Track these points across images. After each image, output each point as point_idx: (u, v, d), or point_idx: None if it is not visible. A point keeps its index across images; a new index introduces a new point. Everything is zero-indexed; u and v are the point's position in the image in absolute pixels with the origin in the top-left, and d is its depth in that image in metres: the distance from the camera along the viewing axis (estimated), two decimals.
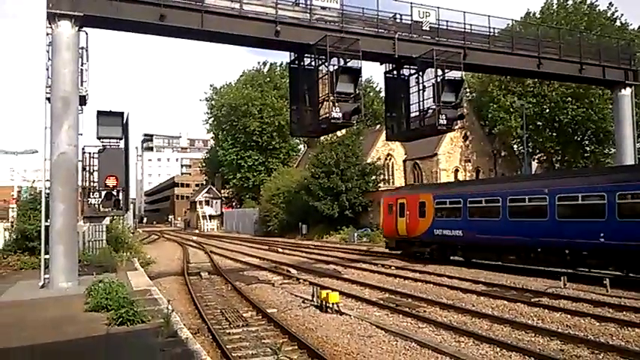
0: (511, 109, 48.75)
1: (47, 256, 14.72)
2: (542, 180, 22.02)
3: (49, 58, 15.28)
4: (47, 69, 15.33)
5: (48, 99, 15.09)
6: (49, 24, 15.01)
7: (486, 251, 21.74)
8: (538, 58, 21.38)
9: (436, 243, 24.25)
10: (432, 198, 24.63)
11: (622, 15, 50.11)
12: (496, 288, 16.58)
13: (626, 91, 22.63)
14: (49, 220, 14.73)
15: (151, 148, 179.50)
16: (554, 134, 49.94)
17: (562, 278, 16.39)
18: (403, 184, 56.65)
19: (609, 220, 16.56)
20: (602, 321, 11.69)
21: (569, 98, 45.94)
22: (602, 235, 16.65)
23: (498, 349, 9.72)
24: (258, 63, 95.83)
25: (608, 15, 48.24)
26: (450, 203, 23.72)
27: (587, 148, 51.06)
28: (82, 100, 16.05)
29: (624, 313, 12.59)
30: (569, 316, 12.30)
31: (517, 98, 47.10)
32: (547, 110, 48.58)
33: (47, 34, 15.22)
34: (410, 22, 19.42)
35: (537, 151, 53.38)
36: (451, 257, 23.65)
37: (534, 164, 57.56)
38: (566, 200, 18.39)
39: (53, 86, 14.96)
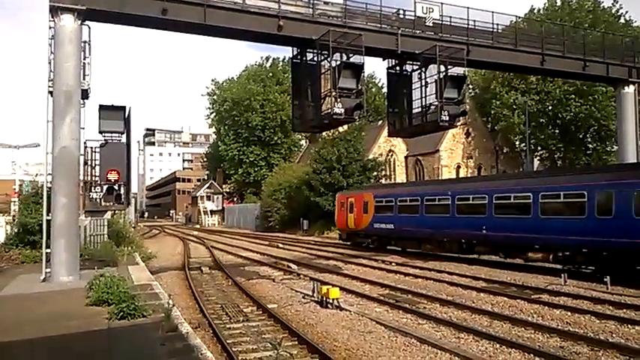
0: (514, 106, 48.64)
1: (48, 250, 14.76)
2: (447, 184, 27.90)
3: (51, 52, 15.27)
4: (50, 62, 15.32)
5: (50, 92, 15.09)
6: (52, 17, 15.00)
7: (410, 241, 26.61)
8: (542, 54, 21.30)
9: (376, 235, 29.37)
10: (373, 197, 29.63)
11: (627, 12, 49.80)
12: (496, 284, 16.59)
13: (630, 89, 22.54)
14: (50, 214, 14.75)
15: (153, 143, 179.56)
16: (557, 131, 49.83)
17: (562, 275, 16.40)
18: (405, 180, 56.65)
19: (489, 216, 21.44)
20: (602, 318, 11.69)
21: (572, 95, 45.81)
22: (484, 227, 21.45)
23: (498, 345, 9.73)
24: (261, 58, 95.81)
25: (613, 12, 48.04)
26: (385, 202, 28.59)
27: (590, 146, 50.95)
28: (85, 94, 16.06)
29: (624, 310, 12.59)
30: (569, 313, 12.30)
31: (520, 95, 47.01)
32: (550, 107, 48.45)
33: (50, 28, 15.21)
34: (413, 18, 19.35)
35: (539, 148, 53.28)
36: (388, 247, 28.71)
37: (536, 161, 57.48)
38: (462, 200, 23.27)
39: (55, 80, 14.96)
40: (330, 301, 13.14)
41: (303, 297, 14.75)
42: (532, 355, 9.09)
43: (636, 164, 21.12)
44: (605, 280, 15.44)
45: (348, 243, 32.34)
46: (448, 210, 23.55)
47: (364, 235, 30.36)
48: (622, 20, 47.45)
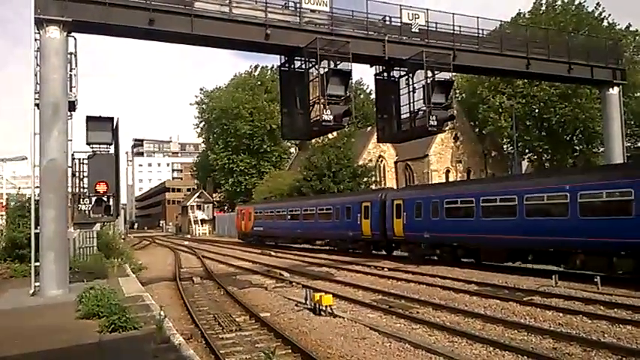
0: (500, 110, 49.08)
1: (37, 264, 14.59)
2: (291, 202, 41.66)
3: (37, 64, 15.17)
4: (36, 75, 15.22)
5: (37, 105, 14.98)
6: (37, 30, 14.91)
7: (271, 237, 42.03)
8: (527, 58, 21.53)
9: (256, 235, 44.82)
10: (253, 210, 45.69)
11: (609, 15, 50.51)
12: (488, 287, 16.65)
13: (614, 90, 22.83)
14: (38, 227, 14.60)
15: (142, 153, 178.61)
16: (544, 134, 50.37)
17: (553, 277, 16.51)
18: (395, 186, 56.85)
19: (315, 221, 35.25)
20: (593, 318, 11.77)
21: (558, 98, 46.35)
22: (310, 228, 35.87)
23: (491, 348, 9.75)
24: (250, 66, 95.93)
25: (596, 15, 48.74)
26: (255, 212, 44.88)
27: (577, 148, 51.52)
28: (72, 106, 15.96)
29: (615, 310, 12.68)
30: (561, 314, 12.37)
31: (506, 99, 47.45)
32: (536, 110, 48.99)
33: (35, 40, 15.12)
34: (399, 25, 19.48)
35: (527, 150, 53.79)
36: (266, 243, 42.29)
37: (524, 164, 57.97)
38: (304, 211, 36.73)
39: (42, 92, 14.85)
40: (323, 308, 13.10)
41: (296, 305, 14.69)
42: (525, 357, 9.12)
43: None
44: (595, 280, 15.56)
45: (243, 241, 47.91)
46: (288, 218, 38.45)
47: (250, 235, 45.96)
48: (605, 23, 48.15)
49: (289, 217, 38.04)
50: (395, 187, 50.96)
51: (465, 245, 22.66)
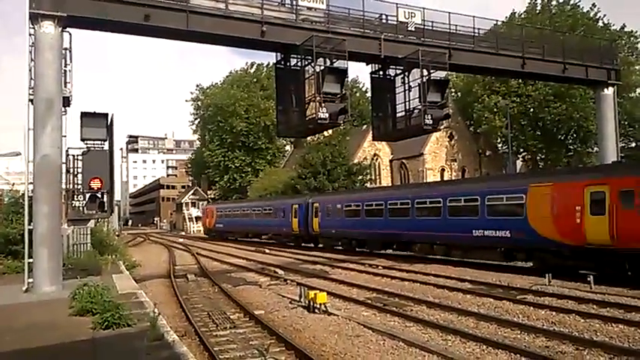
0: (495, 109, 49.21)
1: (31, 260, 14.52)
2: (245, 202, 51.72)
3: (31, 59, 15.06)
4: (30, 70, 15.11)
5: (31, 100, 14.88)
6: (32, 24, 14.80)
7: (231, 232, 49.63)
8: (522, 58, 21.58)
9: (218, 231, 53.01)
10: (215, 209, 54.67)
11: (604, 15, 50.80)
12: (482, 286, 16.70)
13: (609, 91, 22.91)
14: (32, 224, 14.52)
15: (136, 150, 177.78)
16: (538, 133, 50.55)
17: (547, 275, 16.58)
18: (390, 184, 56.96)
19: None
20: (586, 317, 11.83)
21: (552, 97, 46.52)
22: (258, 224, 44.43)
23: (485, 346, 9.79)
24: (246, 64, 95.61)
25: (591, 15, 48.92)
26: (217, 212, 53.78)
27: (571, 147, 51.75)
28: (66, 102, 15.86)
29: (608, 309, 12.76)
30: (554, 313, 12.43)
31: (501, 98, 47.59)
32: (531, 110, 49.16)
33: (30, 35, 15.01)
34: (395, 23, 19.48)
35: (521, 150, 53.96)
36: (228, 237, 49.59)
37: (519, 163, 58.17)
38: (252, 210, 45.43)
39: (36, 88, 14.75)
40: (318, 305, 13.11)
41: (290, 302, 14.69)
42: (518, 355, 9.16)
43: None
44: (588, 279, 15.65)
45: (207, 236, 56.47)
46: (241, 216, 47.34)
47: (213, 231, 54.35)
48: (600, 24, 48.37)
49: (242, 215, 47.23)
50: (390, 185, 51.17)
51: (357, 238, 30.31)
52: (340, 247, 31.73)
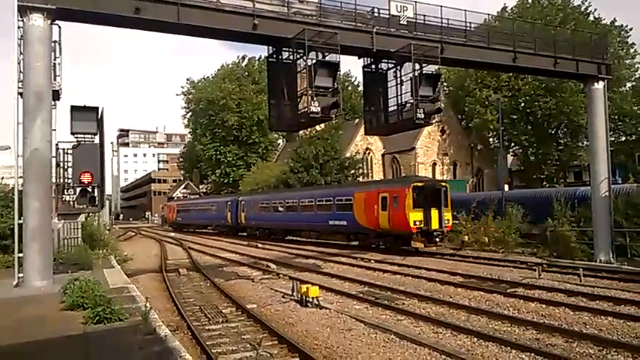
0: (486, 103, 49.36)
1: (21, 255, 14.40)
2: (196, 199, 66.28)
3: (20, 52, 14.88)
4: (19, 63, 14.92)
5: (20, 94, 14.71)
6: (21, 17, 14.61)
7: (186, 225, 59.38)
8: (513, 52, 21.58)
9: (177, 223, 62.34)
10: (175, 206, 65.91)
11: (595, 9, 50.95)
12: (473, 279, 16.83)
13: (599, 85, 22.97)
14: (22, 218, 14.40)
15: (127, 144, 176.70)
16: (529, 127, 50.78)
17: (537, 268, 16.74)
18: (382, 178, 57.07)
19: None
20: (576, 310, 11.96)
21: (542, 92, 46.73)
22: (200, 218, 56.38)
23: (476, 339, 9.88)
24: (237, 57, 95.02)
25: (582, 9, 49.12)
26: (177, 207, 64.84)
27: (561, 141, 52.05)
28: (56, 95, 15.69)
29: (597, 302, 12.90)
30: (544, 305, 12.55)
31: (492, 92, 47.72)
32: (522, 104, 49.35)
33: (18, 28, 14.82)
34: (388, 17, 19.40)
35: (513, 144, 54.20)
36: (184, 229, 58.75)
37: (510, 157, 58.45)
38: (198, 208, 57.49)
39: (25, 81, 14.57)
40: (310, 299, 13.15)
41: (283, 296, 14.72)
42: (509, 347, 9.25)
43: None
44: (578, 272, 15.81)
45: (170, 227, 65.20)
46: (192, 211, 58.98)
47: (174, 223, 63.85)
48: (591, 18, 48.58)
49: (195, 211, 58.27)
50: (383, 179, 51.28)
51: (268, 228, 40.09)
52: (257, 234, 41.49)
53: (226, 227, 47.59)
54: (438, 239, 25.22)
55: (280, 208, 37.34)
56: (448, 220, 25.58)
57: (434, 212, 24.91)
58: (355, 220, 28.34)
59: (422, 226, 24.61)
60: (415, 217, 24.64)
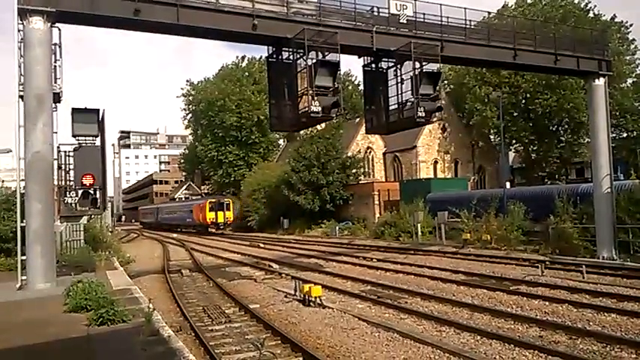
0: (486, 100, 49.27)
1: (24, 258, 14.42)
2: (160, 204, 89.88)
3: (21, 55, 14.90)
4: (19, 66, 14.95)
5: (21, 97, 14.74)
6: (21, 20, 14.64)
7: (164, 225, 73.90)
8: (514, 49, 21.55)
9: (146, 223, 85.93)
10: (141, 210, 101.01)
11: (595, 6, 50.73)
12: (475, 277, 16.82)
13: (600, 81, 22.92)
14: (24, 221, 14.43)
15: (128, 145, 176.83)
16: (530, 124, 50.69)
17: (540, 265, 16.72)
18: (383, 177, 57.08)
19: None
20: (579, 307, 11.96)
21: (542, 88, 46.64)
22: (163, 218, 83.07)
23: (479, 337, 9.87)
24: (237, 57, 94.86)
25: (582, 6, 49.01)
26: (150, 211, 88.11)
27: (562, 138, 51.94)
28: (57, 98, 15.71)
29: (600, 299, 12.89)
30: (547, 303, 12.55)
31: (493, 89, 47.63)
32: (522, 101, 49.25)
33: (19, 31, 14.85)
34: (387, 15, 19.38)
35: (514, 141, 54.11)
36: (163, 228, 74.15)
37: (511, 154, 58.32)
38: (166, 212, 78.31)
39: (26, 84, 14.59)
40: (313, 299, 13.16)
41: (286, 296, 14.74)
42: (512, 345, 9.25)
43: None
44: (580, 269, 15.79)
45: (142, 226, 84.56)
46: (167, 213, 75.96)
47: (145, 224, 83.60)
48: (591, 14, 48.46)
49: (167, 213, 74.24)
50: (383, 179, 51.28)
51: (167, 224, 70.31)
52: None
53: (153, 224, 78.87)
54: (221, 228, 56.27)
55: (170, 212, 71.62)
56: (228, 217, 56.52)
57: (220, 213, 56.03)
58: (193, 218, 59.97)
59: (214, 220, 55.56)
60: (210, 216, 55.65)
